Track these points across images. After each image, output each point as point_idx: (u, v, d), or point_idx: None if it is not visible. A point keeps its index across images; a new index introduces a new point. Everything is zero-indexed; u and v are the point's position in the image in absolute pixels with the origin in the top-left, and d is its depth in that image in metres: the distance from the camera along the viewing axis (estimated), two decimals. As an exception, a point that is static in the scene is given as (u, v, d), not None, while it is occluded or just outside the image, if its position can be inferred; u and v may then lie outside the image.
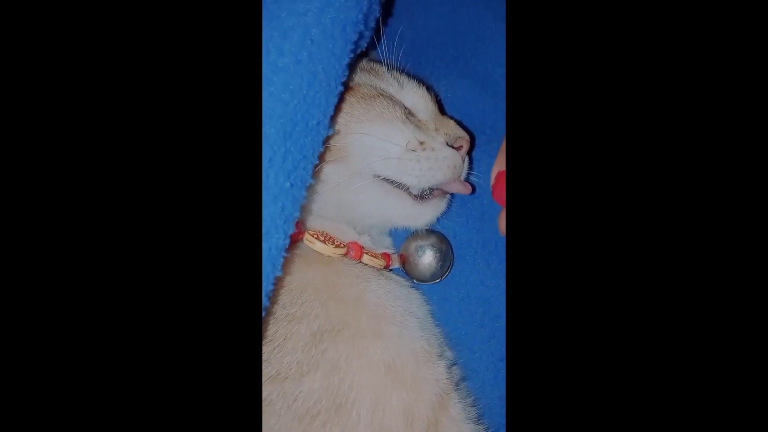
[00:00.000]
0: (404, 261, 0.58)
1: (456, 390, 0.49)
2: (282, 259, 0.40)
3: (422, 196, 0.53)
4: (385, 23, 0.63)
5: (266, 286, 0.38)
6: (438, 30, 0.65)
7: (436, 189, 0.54)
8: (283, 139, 0.40)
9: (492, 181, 0.52)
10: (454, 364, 0.53)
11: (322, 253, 0.50)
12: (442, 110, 0.60)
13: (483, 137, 0.60)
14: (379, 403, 0.43)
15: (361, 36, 0.47)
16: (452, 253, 0.58)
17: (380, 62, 0.58)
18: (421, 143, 0.51)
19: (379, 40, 0.56)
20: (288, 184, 0.40)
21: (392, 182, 0.52)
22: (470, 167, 0.58)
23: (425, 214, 0.55)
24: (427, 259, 0.57)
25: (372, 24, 0.51)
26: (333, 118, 0.45)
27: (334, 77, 0.43)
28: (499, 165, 0.51)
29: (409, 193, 0.53)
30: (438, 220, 0.57)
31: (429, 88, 0.59)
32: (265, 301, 0.38)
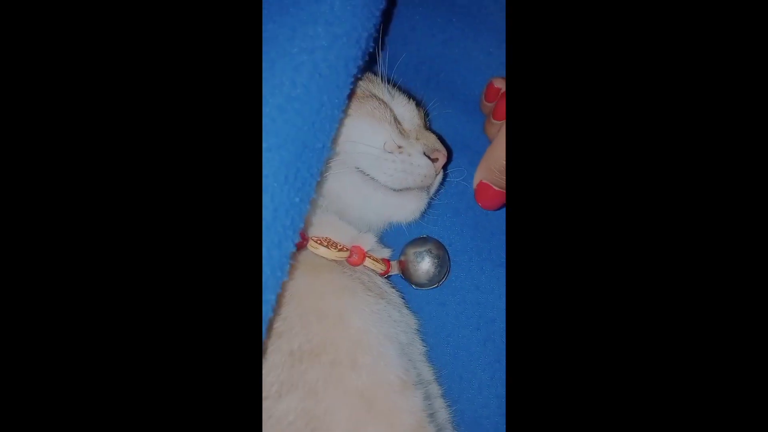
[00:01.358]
0: (403, 267, 0.61)
1: (431, 422, 0.48)
2: (288, 265, 0.43)
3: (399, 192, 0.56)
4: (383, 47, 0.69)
5: (276, 289, 0.41)
6: (431, 58, 0.71)
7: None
8: (295, 161, 0.44)
9: (474, 185, 0.56)
10: (434, 380, 0.56)
11: (313, 264, 0.51)
12: (427, 126, 0.64)
13: (466, 157, 0.65)
14: (354, 431, 0.43)
15: (359, 69, 0.53)
16: (449, 259, 0.62)
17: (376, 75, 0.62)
18: (399, 147, 0.54)
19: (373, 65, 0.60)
20: (297, 200, 0.44)
21: (369, 176, 0.55)
22: (443, 182, 0.62)
23: (407, 206, 0.57)
24: (425, 265, 0.60)
25: (366, 57, 0.57)
26: (334, 141, 0.50)
27: (337, 106, 0.48)
28: (480, 174, 0.55)
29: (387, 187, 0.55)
30: (433, 228, 0.61)
31: (418, 104, 0.63)
32: (272, 308, 0.41)
